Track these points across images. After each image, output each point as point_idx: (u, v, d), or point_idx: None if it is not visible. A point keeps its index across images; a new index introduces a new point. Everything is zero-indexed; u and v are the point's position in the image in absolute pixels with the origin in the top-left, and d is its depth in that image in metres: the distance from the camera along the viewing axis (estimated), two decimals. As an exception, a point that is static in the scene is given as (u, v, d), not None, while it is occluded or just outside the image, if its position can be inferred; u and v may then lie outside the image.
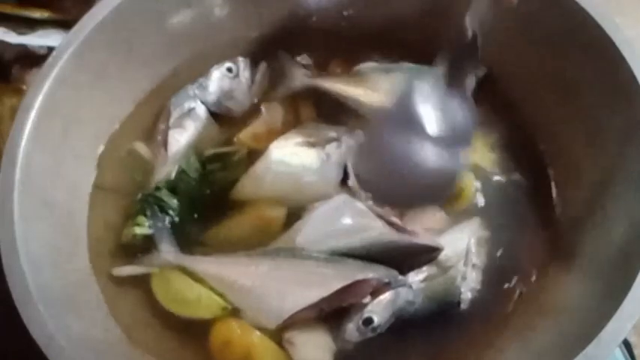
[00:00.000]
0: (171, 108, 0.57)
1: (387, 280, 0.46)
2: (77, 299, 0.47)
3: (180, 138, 0.55)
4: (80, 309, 0.47)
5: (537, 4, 0.51)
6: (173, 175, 0.54)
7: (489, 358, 0.47)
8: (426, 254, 0.48)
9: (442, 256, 0.47)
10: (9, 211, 0.44)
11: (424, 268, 0.48)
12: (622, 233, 0.45)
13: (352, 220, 0.48)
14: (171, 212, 0.52)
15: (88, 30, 0.50)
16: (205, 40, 0.59)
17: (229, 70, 0.58)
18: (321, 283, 0.45)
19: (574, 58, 0.51)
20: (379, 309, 0.46)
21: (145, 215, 0.51)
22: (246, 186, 0.52)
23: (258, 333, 0.47)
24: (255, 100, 0.58)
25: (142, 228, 0.51)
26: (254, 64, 0.59)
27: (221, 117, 0.58)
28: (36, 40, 0.63)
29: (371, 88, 0.56)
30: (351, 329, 0.46)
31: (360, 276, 0.45)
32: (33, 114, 0.47)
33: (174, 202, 0.52)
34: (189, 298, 0.48)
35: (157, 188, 0.53)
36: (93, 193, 0.54)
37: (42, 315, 0.41)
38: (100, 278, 0.50)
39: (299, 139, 0.53)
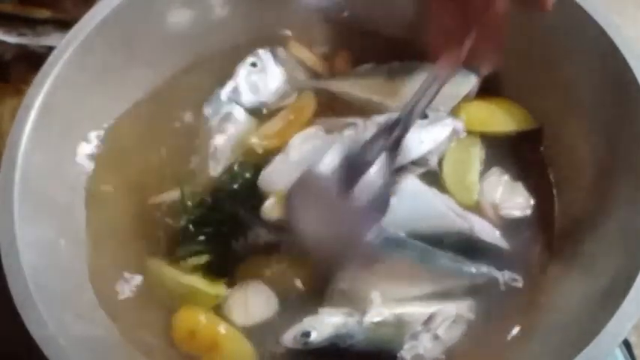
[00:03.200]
0: (208, 116, 0.57)
1: (478, 282, 0.48)
2: (77, 299, 0.47)
3: (225, 143, 0.55)
4: (80, 309, 0.47)
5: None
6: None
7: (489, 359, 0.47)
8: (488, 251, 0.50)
9: (405, 310, 0.48)
10: (9, 211, 0.44)
11: (386, 313, 0.48)
12: (622, 233, 0.45)
13: (423, 204, 0.51)
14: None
15: (88, 30, 0.50)
16: (206, 40, 0.59)
17: (254, 64, 0.58)
18: (414, 284, 0.49)
19: (574, 59, 0.51)
20: (321, 327, 0.47)
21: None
22: (270, 177, 0.52)
23: (223, 323, 0.48)
24: (289, 86, 0.59)
25: (200, 257, 0.50)
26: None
27: (259, 111, 0.58)
28: (36, 40, 0.63)
29: (374, 91, 0.57)
30: (289, 334, 0.47)
31: (450, 283, 0.48)
32: (33, 114, 0.47)
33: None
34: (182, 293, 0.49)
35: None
36: (93, 193, 0.54)
37: (42, 315, 0.41)
38: (100, 278, 0.50)
39: (316, 128, 0.54)
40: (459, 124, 0.54)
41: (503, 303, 0.49)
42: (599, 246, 0.47)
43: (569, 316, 0.45)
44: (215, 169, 0.54)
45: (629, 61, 0.46)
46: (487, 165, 0.54)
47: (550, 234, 0.52)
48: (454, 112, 0.56)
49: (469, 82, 0.56)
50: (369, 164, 0.47)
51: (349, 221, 0.48)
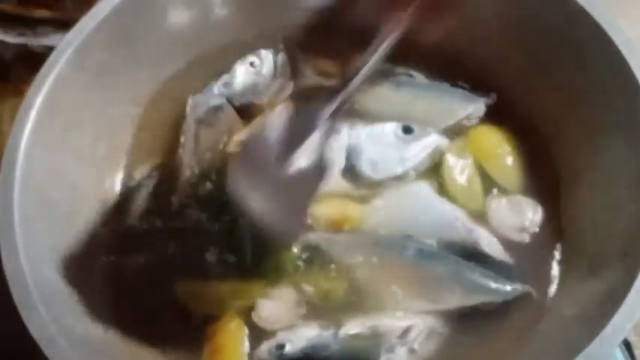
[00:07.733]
0: (197, 106, 0.57)
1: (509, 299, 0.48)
2: (77, 299, 0.47)
3: (207, 136, 0.55)
4: (80, 309, 0.47)
5: (537, 4, 0.51)
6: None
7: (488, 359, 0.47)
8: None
9: (381, 322, 0.47)
10: (9, 211, 0.44)
11: (361, 325, 0.47)
12: (622, 233, 0.45)
13: (430, 209, 0.51)
14: None
15: (88, 30, 0.50)
16: (206, 40, 0.59)
17: (252, 64, 0.58)
18: (441, 299, 0.48)
19: (574, 59, 0.51)
20: (295, 339, 0.47)
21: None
22: None
23: (243, 333, 0.48)
24: (281, 93, 0.58)
25: None
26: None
27: (247, 112, 0.57)
28: (36, 40, 0.63)
29: (377, 100, 0.56)
30: (263, 347, 0.47)
31: (480, 298, 0.47)
32: (33, 114, 0.47)
33: None
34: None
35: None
36: (94, 192, 0.54)
37: (42, 315, 0.41)
38: (100, 278, 0.50)
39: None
40: (443, 141, 0.54)
41: (495, 313, 0.48)
42: (600, 246, 0.47)
43: (569, 316, 0.45)
44: (189, 159, 0.54)
45: (629, 61, 0.46)
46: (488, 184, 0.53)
47: (555, 237, 0.52)
48: (457, 134, 0.55)
49: (470, 105, 0.55)
50: (312, 129, 0.46)
51: (288, 190, 0.46)
